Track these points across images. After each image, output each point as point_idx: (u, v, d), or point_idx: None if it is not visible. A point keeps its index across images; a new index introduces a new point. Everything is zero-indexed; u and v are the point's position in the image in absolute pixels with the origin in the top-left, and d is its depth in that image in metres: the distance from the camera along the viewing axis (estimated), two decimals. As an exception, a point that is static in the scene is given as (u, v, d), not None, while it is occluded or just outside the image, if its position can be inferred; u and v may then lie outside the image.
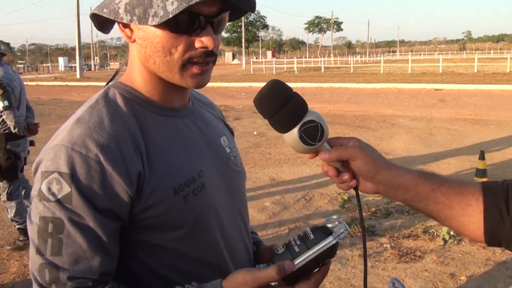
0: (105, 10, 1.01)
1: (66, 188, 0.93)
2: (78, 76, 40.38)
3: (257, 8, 1.13)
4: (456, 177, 6.54)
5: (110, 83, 1.13)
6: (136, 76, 1.10)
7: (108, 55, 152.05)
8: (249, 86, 25.28)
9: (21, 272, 4.18)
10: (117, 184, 0.96)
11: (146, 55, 1.03)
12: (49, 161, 0.96)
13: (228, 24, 1.11)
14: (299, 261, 0.97)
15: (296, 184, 6.71)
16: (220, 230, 1.14)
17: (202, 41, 0.99)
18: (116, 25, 1.11)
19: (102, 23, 1.10)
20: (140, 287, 1.04)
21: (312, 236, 0.99)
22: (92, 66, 73.43)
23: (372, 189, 1.02)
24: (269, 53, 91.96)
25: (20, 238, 4.71)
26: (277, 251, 1.02)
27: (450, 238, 4.51)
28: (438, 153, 8.31)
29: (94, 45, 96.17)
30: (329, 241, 0.98)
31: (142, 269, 1.07)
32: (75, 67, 50.34)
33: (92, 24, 1.11)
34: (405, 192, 0.99)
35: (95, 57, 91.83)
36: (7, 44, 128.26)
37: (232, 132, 1.40)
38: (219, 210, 1.13)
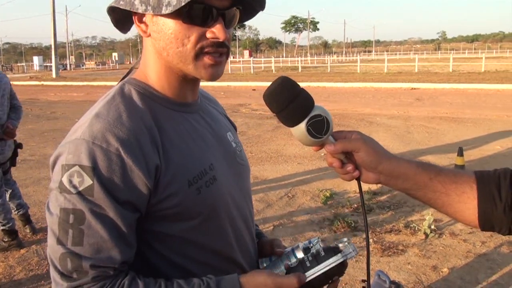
0: (121, 2, 1.07)
1: (88, 181, 0.97)
2: (54, 76, 39.62)
3: None
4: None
5: (124, 80, 1.17)
6: (150, 72, 1.14)
7: (84, 54, 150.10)
8: (227, 85, 25.26)
9: (6, 273, 4.13)
10: (137, 177, 1.00)
11: (160, 48, 1.08)
12: (69, 155, 0.99)
13: None
14: (310, 274, 1.09)
15: (278, 182, 6.78)
16: (230, 221, 1.19)
17: (214, 32, 1.04)
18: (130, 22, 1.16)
19: (119, 20, 1.15)
20: (156, 276, 1.08)
21: (323, 253, 1.12)
22: (68, 66, 72.22)
23: (373, 179, 1.08)
24: (246, 52, 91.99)
25: (4, 239, 4.65)
26: (291, 265, 1.13)
27: (431, 232, 4.63)
28: (417, 150, 8.46)
29: (69, 44, 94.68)
30: (337, 258, 1.11)
31: (157, 259, 1.11)
32: (50, 66, 49.51)
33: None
34: (404, 181, 1.06)
35: (71, 57, 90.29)
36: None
37: (235, 127, 1.45)
38: (229, 202, 1.19)
